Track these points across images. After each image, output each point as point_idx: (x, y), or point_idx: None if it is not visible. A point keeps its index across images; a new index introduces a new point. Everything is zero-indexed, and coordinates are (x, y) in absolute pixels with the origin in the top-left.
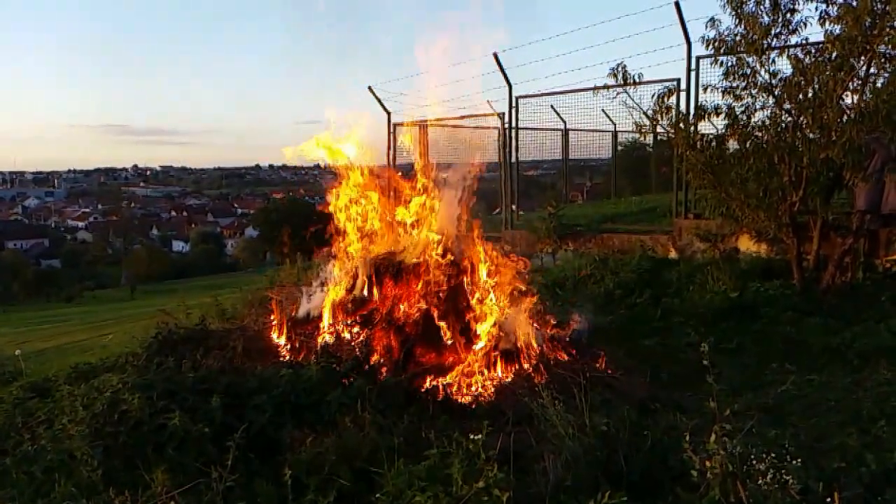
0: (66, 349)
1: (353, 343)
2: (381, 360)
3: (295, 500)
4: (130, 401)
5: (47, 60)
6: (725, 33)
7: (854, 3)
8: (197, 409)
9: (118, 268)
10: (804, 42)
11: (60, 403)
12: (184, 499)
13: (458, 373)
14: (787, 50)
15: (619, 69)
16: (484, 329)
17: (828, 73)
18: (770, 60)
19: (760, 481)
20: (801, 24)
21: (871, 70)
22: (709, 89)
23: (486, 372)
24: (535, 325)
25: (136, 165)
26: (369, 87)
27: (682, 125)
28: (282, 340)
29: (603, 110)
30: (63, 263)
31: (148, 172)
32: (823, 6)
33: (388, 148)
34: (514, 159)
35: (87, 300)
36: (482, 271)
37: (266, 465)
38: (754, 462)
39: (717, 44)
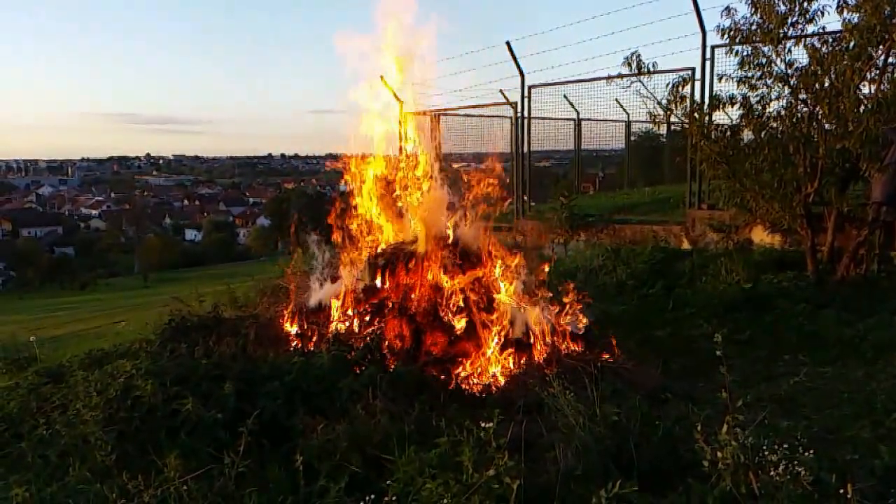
0: (80, 335)
1: (364, 332)
2: (393, 349)
3: (306, 485)
4: (144, 387)
5: (61, 48)
6: (741, 22)
7: None
8: (210, 396)
9: (131, 256)
10: (821, 31)
11: (75, 389)
12: (196, 484)
13: (469, 362)
14: (803, 39)
15: (634, 58)
16: (495, 319)
17: (845, 62)
18: (786, 50)
19: (772, 472)
20: (819, 12)
21: (890, 60)
22: (724, 79)
23: (497, 361)
24: (546, 315)
25: (148, 154)
26: (381, 77)
27: (696, 115)
28: (294, 328)
29: (616, 100)
30: (77, 251)
31: (161, 161)
32: None
33: (401, 137)
34: (526, 149)
35: (101, 288)
36: (494, 261)
37: (278, 452)
38: (766, 453)
39: (732, 33)
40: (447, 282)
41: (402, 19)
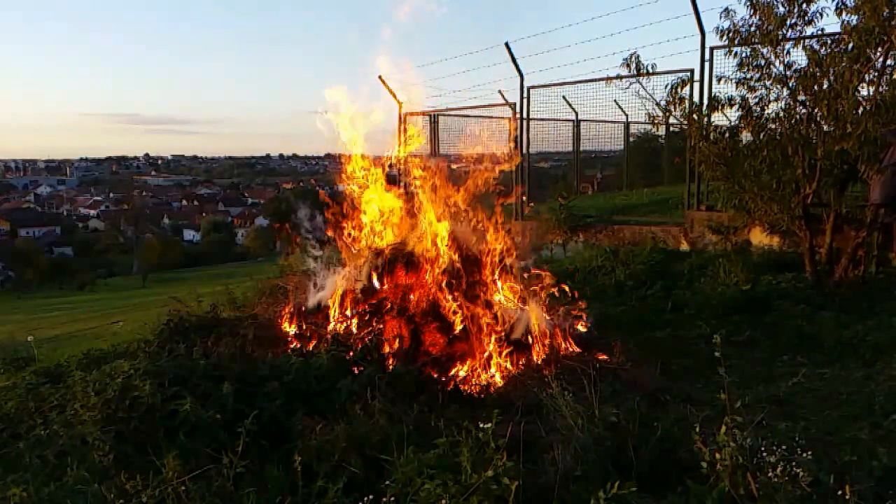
0: (78, 336)
1: (363, 332)
2: (391, 350)
3: (305, 486)
4: (142, 387)
5: (59, 48)
6: (740, 24)
7: None
8: (208, 396)
9: (130, 256)
10: (820, 33)
11: (73, 389)
12: (194, 484)
13: (468, 363)
14: (802, 41)
15: (633, 59)
16: (494, 319)
17: (844, 64)
18: (785, 51)
19: (771, 474)
20: (818, 14)
21: (889, 62)
22: (723, 80)
23: (496, 362)
24: (545, 316)
25: (147, 154)
26: (380, 77)
27: (695, 116)
28: (292, 329)
29: (615, 101)
30: (75, 251)
31: (159, 161)
32: None
33: (399, 138)
34: (525, 150)
35: (99, 288)
36: (494, 262)
37: (277, 452)
38: (765, 454)
39: (731, 34)
40: (446, 282)
41: (402, 21)
